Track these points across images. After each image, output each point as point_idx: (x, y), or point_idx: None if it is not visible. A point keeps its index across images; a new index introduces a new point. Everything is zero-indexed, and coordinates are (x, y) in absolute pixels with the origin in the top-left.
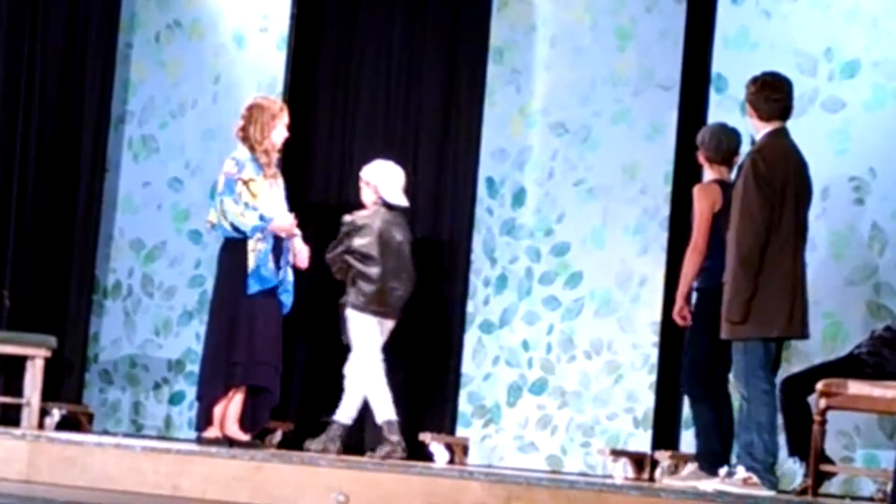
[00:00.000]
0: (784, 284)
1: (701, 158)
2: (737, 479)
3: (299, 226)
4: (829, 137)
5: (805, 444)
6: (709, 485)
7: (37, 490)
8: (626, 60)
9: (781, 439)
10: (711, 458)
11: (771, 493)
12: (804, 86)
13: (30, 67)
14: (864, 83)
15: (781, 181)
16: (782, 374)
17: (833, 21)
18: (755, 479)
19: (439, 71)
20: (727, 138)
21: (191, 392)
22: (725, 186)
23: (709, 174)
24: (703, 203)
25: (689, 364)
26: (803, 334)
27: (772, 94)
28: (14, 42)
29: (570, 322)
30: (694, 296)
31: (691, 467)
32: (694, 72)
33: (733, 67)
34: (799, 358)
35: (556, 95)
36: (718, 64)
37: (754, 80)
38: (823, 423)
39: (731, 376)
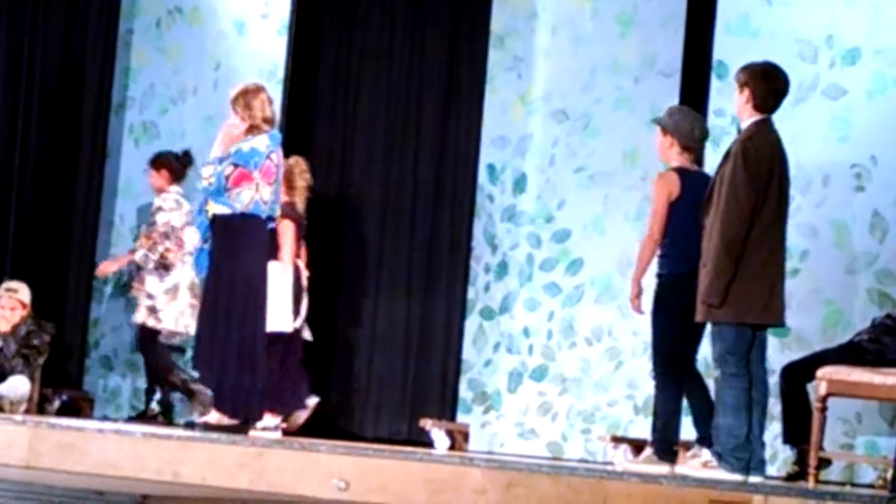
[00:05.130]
0: (763, 271)
1: (669, 143)
2: (696, 462)
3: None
4: (831, 125)
5: (802, 431)
6: (662, 470)
7: (37, 476)
8: (628, 47)
9: (773, 426)
10: (667, 445)
11: (736, 476)
12: (805, 73)
13: (31, 54)
14: (866, 70)
15: (768, 170)
16: (783, 360)
17: (834, 8)
18: (714, 462)
19: (440, 57)
20: (699, 127)
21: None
22: (684, 174)
23: (675, 159)
24: (660, 191)
25: (655, 352)
26: (780, 322)
27: (777, 86)
28: (15, 29)
29: (570, 309)
30: (655, 282)
31: (647, 452)
32: (695, 59)
33: (734, 54)
34: (800, 345)
35: (557, 82)
36: (720, 51)
37: (759, 70)
38: (824, 410)
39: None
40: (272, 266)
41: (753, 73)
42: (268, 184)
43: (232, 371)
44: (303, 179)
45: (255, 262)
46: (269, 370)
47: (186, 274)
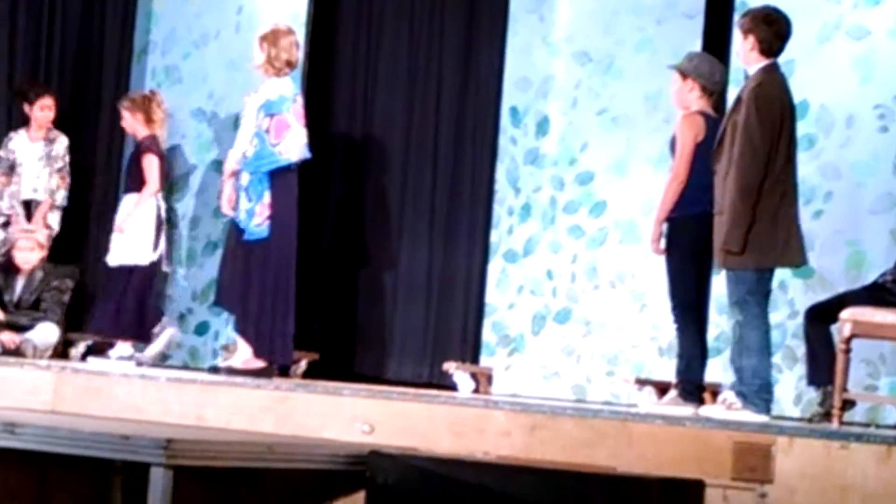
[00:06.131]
0: (778, 215)
1: (689, 87)
2: (726, 404)
3: (322, 158)
4: (854, 66)
5: (826, 373)
6: (686, 412)
7: (62, 420)
8: None
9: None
10: (691, 386)
11: (761, 418)
12: (828, 13)
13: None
14: (889, 10)
15: (780, 115)
16: (807, 302)
17: None
18: (739, 403)
19: (462, 0)
20: (720, 70)
21: (216, 322)
22: (707, 119)
23: (695, 103)
24: (686, 133)
25: (673, 294)
26: (800, 262)
27: (780, 29)
28: None
29: (594, 251)
30: (665, 225)
31: (672, 394)
32: (718, 0)
33: None
34: (823, 287)
35: (579, 24)
36: None
37: (761, 15)
38: (848, 351)
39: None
40: (135, 199)
41: (755, 18)
42: (303, 126)
43: (268, 317)
44: (161, 111)
45: (295, 211)
46: (128, 300)
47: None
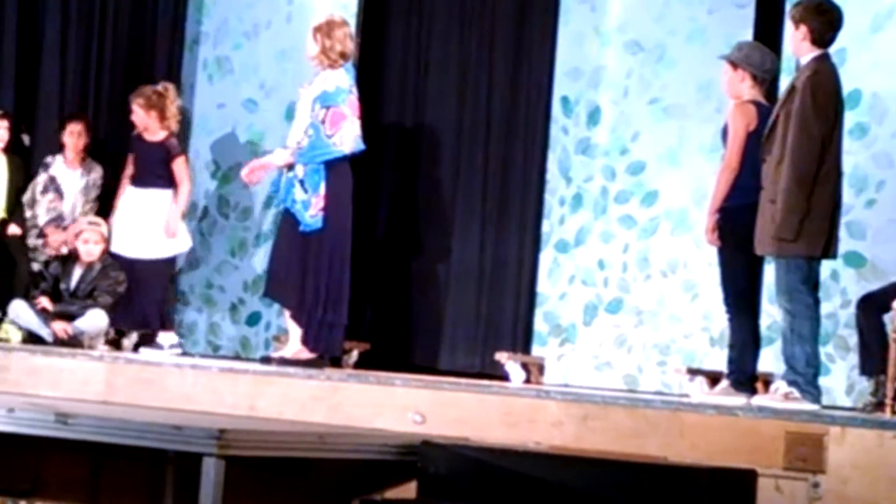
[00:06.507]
0: (830, 204)
1: (740, 76)
2: (778, 393)
3: (374, 149)
4: None
5: (878, 362)
6: (737, 401)
7: (114, 411)
8: None
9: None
10: (743, 376)
11: (814, 407)
12: (880, 2)
13: None
14: None
15: (834, 105)
16: (860, 291)
17: None
18: (796, 392)
19: None
20: (771, 58)
21: (267, 312)
22: (759, 108)
23: (746, 93)
24: (739, 122)
25: (725, 284)
26: (834, 255)
27: (832, 19)
28: None
29: (645, 241)
30: (719, 215)
31: (724, 384)
32: None
33: None
34: (875, 275)
35: (630, 14)
36: None
37: (813, 5)
38: None
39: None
40: (167, 196)
41: (807, 8)
42: (357, 118)
43: (321, 308)
44: (174, 107)
45: (349, 203)
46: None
47: None
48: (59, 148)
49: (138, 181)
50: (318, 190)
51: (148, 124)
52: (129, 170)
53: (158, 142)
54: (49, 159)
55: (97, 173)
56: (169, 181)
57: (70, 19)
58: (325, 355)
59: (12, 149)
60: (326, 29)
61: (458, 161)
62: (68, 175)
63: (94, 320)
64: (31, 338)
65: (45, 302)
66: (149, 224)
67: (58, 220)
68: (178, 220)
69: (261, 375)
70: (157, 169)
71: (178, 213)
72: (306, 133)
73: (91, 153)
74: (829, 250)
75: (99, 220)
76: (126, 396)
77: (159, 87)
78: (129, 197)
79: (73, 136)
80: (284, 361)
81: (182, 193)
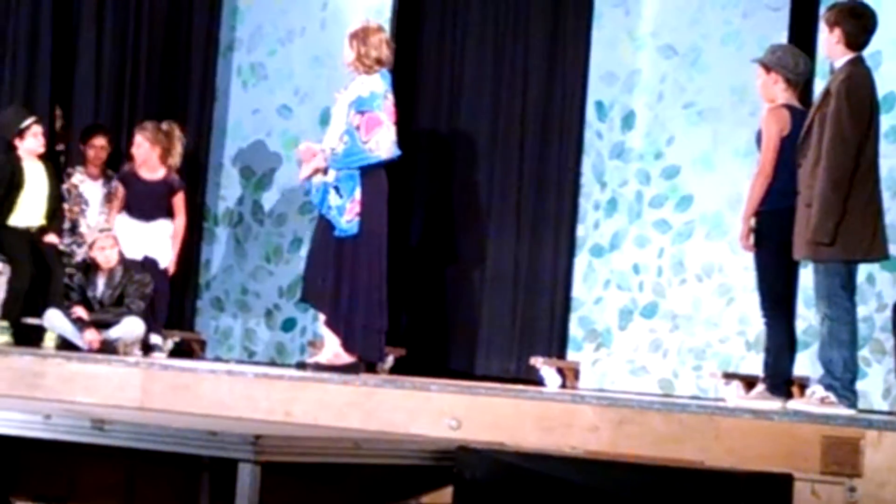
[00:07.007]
0: (868, 207)
1: (773, 79)
2: (815, 398)
3: (409, 154)
4: None
5: None
6: (774, 406)
7: (150, 417)
8: None
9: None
10: (779, 380)
11: (850, 412)
12: None
13: None
14: None
15: (869, 107)
16: (895, 295)
17: None
18: (832, 397)
19: None
20: (804, 61)
21: (302, 318)
22: (793, 111)
23: (780, 96)
24: (772, 127)
25: (762, 287)
26: (885, 255)
27: (866, 22)
28: None
29: (680, 245)
30: (753, 220)
31: (760, 388)
32: None
33: None
34: None
35: (664, 18)
36: None
37: (847, 7)
38: None
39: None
40: (168, 226)
41: (842, 11)
42: (393, 123)
43: (358, 314)
44: (181, 146)
45: (384, 208)
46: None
47: None
48: (80, 159)
49: (136, 214)
50: (353, 195)
51: (149, 159)
52: (119, 202)
53: (158, 179)
54: (70, 170)
55: (116, 183)
56: (169, 212)
57: (104, 26)
58: (368, 360)
59: (47, 155)
60: (362, 35)
61: (492, 166)
62: (90, 186)
63: (131, 328)
64: (66, 344)
65: (80, 311)
66: (147, 248)
67: (72, 230)
68: (174, 250)
69: (296, 381)
70: (157, 203)
71: (178, 244)
72: (341, 139)
73: (114, 164)
74: (874, 251)
75: (107, 225)
76: (161, 402)
77: (164, 126)
78: (126, 226)
79: (96, 148)
80: (320, 367)
81: (179, 226)
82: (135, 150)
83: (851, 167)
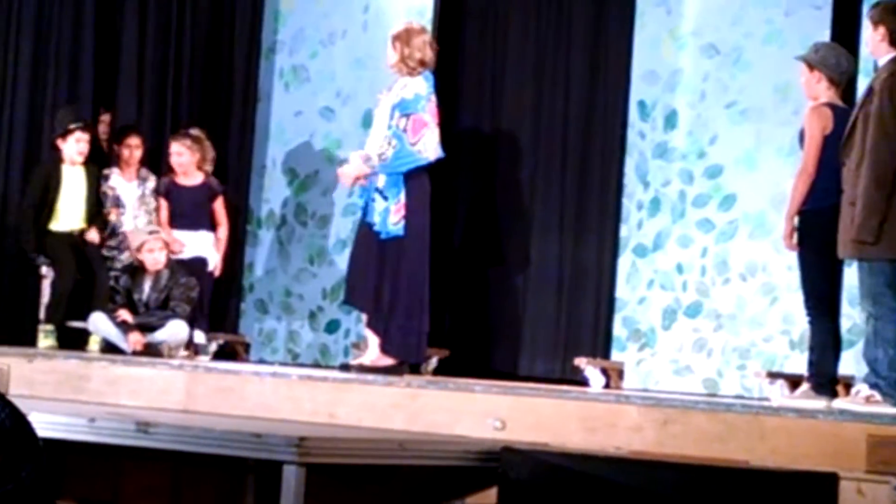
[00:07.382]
0: None
1: (816, 78)
2: (860, 396)
3: (451, 155)
4: None
5: None
6: (819, 405)
7: (195, 419)
8: None
9: None
10: (824, 379)
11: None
12: None
13: (181, 0)
14: None
15: None
16: None
17: None
18: (878, 395)
19: None
20: (847, 59)
21: (346, 320)
22: (835, 110)
23: (823, 94)
24: (814, 125)
25: (805, 287)
26: None
27: None
28: None
29: (724, 244)
30: (796, 219)
31: (804, 387)
32: None
33: None
34: None
35: (706, 17)
36: None
37: (892, 5)
38: None
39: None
40: (210, 239)
41: (886, 9)
42: (437, 125)
43: (401, 315)
44: (212, 151)
45: (428, 209)
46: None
47: None
48: (115, 160)
49: (182, 224)
50: (398, 197)
51: (190, 166)
52: (165, 214)
53: (198, 185)
54: (107, 171)
55: (152, 182)
56: (211, 222)
57: (147, 28)
58: (408, 362)
59: (93, 158)
60: (405, 37)
61: (535, 166)
62: (126, 187)
63: (176, 331)
64: (109, 347)
65: (125, 314)
66: (196, 250)
67: (112, 233)
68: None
69: (340, 383)
70: (200, 210)
71: (223, 248)
72: (390, 143)
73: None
74: None
75: (158, 227)
76: (206, 405)
77: (194, 132)
78: (194, 239)
79: (131, 148)
80: (364, 369)
81: (222, 235)
82: (175, 160)
83: (895, 166)
